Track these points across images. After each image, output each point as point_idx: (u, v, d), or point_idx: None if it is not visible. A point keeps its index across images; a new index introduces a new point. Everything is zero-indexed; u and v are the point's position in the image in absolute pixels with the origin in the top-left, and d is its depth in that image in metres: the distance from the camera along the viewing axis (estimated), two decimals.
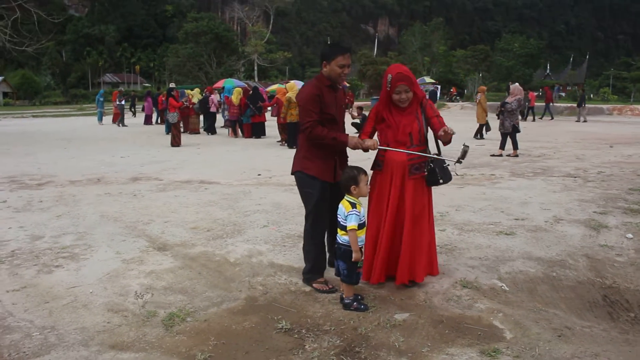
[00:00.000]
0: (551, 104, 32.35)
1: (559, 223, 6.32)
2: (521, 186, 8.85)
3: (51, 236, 5.85)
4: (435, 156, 4.24)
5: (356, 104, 24.84)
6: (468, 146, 4.07)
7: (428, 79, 51.41)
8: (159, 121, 26.16)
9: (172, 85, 26.36)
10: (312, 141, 4.11)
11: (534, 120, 29.20)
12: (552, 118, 30.97)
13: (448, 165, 4.26)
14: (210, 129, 20.84)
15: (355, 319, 3.69)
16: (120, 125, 25.35)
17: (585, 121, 28.61)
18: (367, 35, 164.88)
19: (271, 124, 19.48)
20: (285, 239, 5.67)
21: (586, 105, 31.14)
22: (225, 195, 8.15)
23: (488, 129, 17.43)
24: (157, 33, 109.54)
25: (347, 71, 4.12)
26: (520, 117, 14.78)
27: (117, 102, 26.11)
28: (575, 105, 33.01)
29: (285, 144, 15.27)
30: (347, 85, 40.94)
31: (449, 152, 4.36)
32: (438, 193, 8.09)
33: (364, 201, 4.06)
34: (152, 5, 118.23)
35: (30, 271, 4.71)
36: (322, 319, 3.72)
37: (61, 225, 6.32)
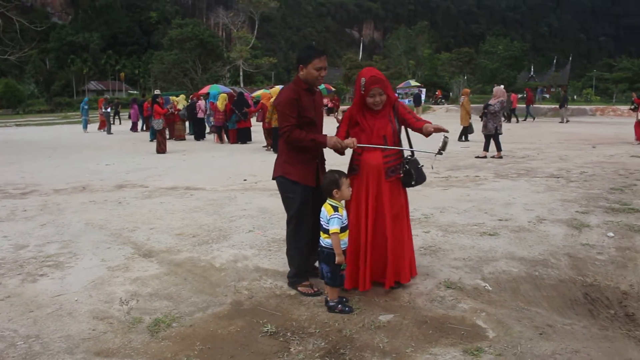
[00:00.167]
0: (531, 105, 32.68)
1: (542, 223, 6.40)
2: (505, 187, 8.94)
3: (35, 245, 5.82)
4: (414, 150, 4.28)
5: (342, 107, 24.94)
6: (448, 137, 4.08)
7: (413, 82, 51.66)
8: (144, 128, 26.07)
9: (157, 92, 26.30)
10: (291, 145, 4.12)
11: (517, 121, 29.44)
12: (534, 119, 31.28)
13: (422, 166, 4.29)
14: (199, 135, 20.82)
15: (340, 321, 3.72)
16: (107, 132, 25.23)
17: (567, 121, 28.92)
18: (352, 39, 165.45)
19: (257, 129, 19.50)
20: (270, 244, 5.69)
21: (568, 106, 31.47)
22: (210, 201, 8.15)
23: (471, 131, 17.58)
24: (142, 40, 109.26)
25: (324, 73, 4.14)
26: (503, 119, 14.93)
27: (103, 110, 25.98)
28: (558, 106, 33.35)
29: (271, 149, 15.27)
30: (333, 89, 41.10)
31: (429, 145, 4.39)
32: (422, 195, 8.18)
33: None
34: (137, 12, 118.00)
35: (14, 280, 4.69)
36: (307, 322, 3.74)
37: (46, 234, 6.29)
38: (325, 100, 36.45)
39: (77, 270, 4.94)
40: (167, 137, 18.29)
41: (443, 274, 4.64)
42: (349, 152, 4.26)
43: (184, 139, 20.89)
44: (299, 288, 4.29)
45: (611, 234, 5.82)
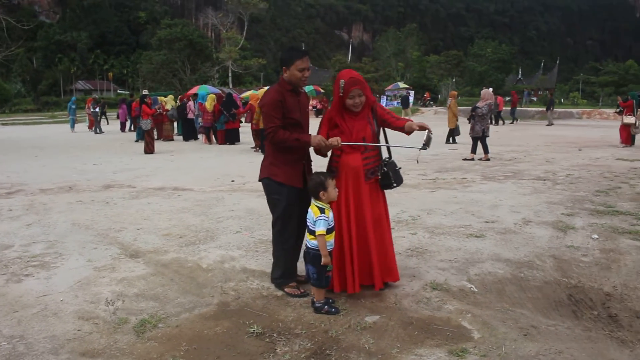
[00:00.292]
0: (516, 108, 32.93)
1: (528, 225, 6.45)
2: (492, 189, 9.00)
3: (21, 245, 5.78)
4: (399, 146, 4.24)
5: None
6: (432, 133, 4.09)
7: (402, 84, 51.78)
8: (132, 128, 25.95)
9: (145, 92, 26.18)
10: (276, 145, 4.12)
11: (503, 124, 29.66)
12: (514, 122, 31.45)
13: (400, 168, 4.29)
14: (188, 136, 20.77)
15: (326, 322, 3.73)
16: (97, 131, 25.09)
17: (548, 125, 29.18)
18: (341, 41, 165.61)
19: (245, 130, 19.47)
20: (258, 245, 5.69)
21: (554, 109, 31.72)
22: (198, 201, 8.14)
23: (457, 133, 17.67)
24: (130, 40, 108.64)
25: (307, 74, 4.13)
26: (492, 122, 15.02)
27: (92, 109, 25.81)
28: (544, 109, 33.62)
29: (259, 150, 15.26)
30: (322, 91, 41.11)
31: (412, 142, 4.40)
32: (410, 197, 8.23)
33: None
34: (125, 11, 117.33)
35: None
36: (293, 323, 3.75)
37: (31, 234, 6.25)
38: (314, 102, 36.53)
39: (62, 271, 4.92)
40: (155, 137, 18.25)
41: (429, 276, 4.67)
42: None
43: (172, 140, 20.82)
44: (285, 289, 4.29)
45: (595, 236, 5.88)
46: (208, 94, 19.95)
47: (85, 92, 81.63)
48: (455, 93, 19.53)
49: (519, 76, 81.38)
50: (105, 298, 4.23)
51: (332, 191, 3.89)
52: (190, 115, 20.77)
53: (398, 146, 4.27)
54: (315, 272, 3.88)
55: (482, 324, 3.70)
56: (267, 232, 6.07)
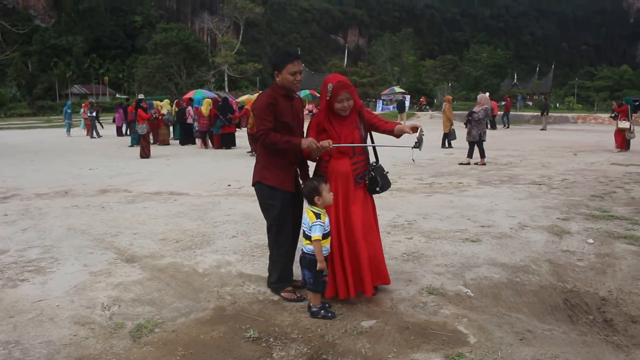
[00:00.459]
0: (509, 112, 33.05)
1: (524, 229, 6.47)
2: (488, 194, 9.02)
3: (16, 250, 5.77)
4: (391, 145, 4.24)
5: None
6: (424, 132, 4.07)
7: (398, 89, 51.95)
8: (127, 132, 25.93)
9: (140, 96, 26.15)
10: (268, 148, 4.10)
11: (495, 128, 29.80)
12: (506, 127, 31.54)
13: (387, 172, 4.28)
14: (185, 140, 20.76)
15: (322, 327, 3.73)
16: (93, 136, 25.05)
17: (543, 129, 29.33)
18: (337, 45, 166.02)
19: (241, 134, 19.49)
20: (254, 249, 5.69)
21: (549, 113, 31.86)
22: (194, 206, 8.13)
23: (453, 137, 17.71)
24: (126, 44, 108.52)
25: (299, 77, 4.12)
26: (489, 127, 15.06)
27: (88, 114, 25.75)
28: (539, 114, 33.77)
29: (255, 154, 15.23)
30: (318, 95, 41.17)
31: (403, 142, 4.40)
32: (406, 201, 8.24)
33: None
34: (121, 15, 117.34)
35: None
36: (289, 328, 3.75)
37: (27, 239, 6.23)
38: (310, 106, 36.55)
39: (58, 276, 4.90)
40: (151, 141, 18.23)
41: (425, 280, 4.68)
42: None
43: (168, 144, 20.82)
44: (281, 293, 4.29)
45: (591, 241, 5.90)
46: (204, 99, 19.96)
47: (81, 96, 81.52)
48: (450, 98, 19.59)
49: (515, 81, 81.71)
50: (102, 303, 4.22)
51: (327, 195, 3.88)
52: (190, 120, 20.76)
53: (390, 146, 4.26)
54: (311, 277, 3.89)
55: (478, 328, 3.71)
56: (263, 237, 6.05)
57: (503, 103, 33.52)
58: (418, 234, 6.26)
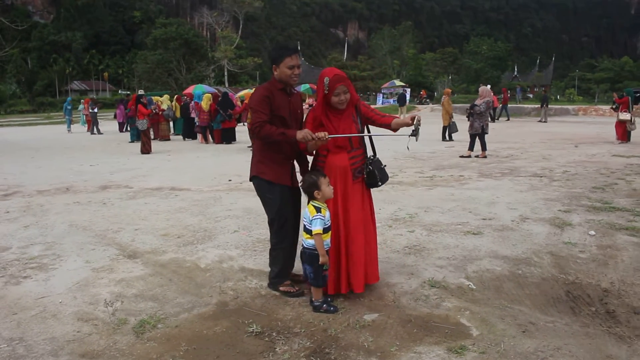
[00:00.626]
0: (507, 105, 33.00)
1: (525, 222, 6.47)
2: (489, 186, 9.01)
3: (18, 247, 5.77)
4: (388, 134, 4.21)
5: None
6: (420, 120, 4.01)
7: (398, 82, 51.88)
8: (128, 128, 25.91)
9: (140, 92, 26.11)
10: (262, 140, 4.07)
11: (494, 121, 29.76)
12: (497, 120, 31.44)
13: (385, 166, 4.25)
14: (189, 135, 20.75)
15: (325, 321, 3.74)
16: (94, 132, 25.04)
17: (545, 121, 29.31)
18: (337, 39, 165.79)
19: (242, 129, 19.48)
20: (255, 244, 5.69)
21: (548, 105, 31.81)
22: (195, 201, 8.14)
23: (454, 130, 17.67)
24: (125, 39, 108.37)
25: (297, 71, 4.09)
26: (490, 119, 15.02)
27: (90, 110, 25.73)
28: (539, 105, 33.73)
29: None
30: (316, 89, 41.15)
31: (400, 132, 4.36)
32: (407, 195, 8.24)
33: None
34: (120, 11, 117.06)
35: None
36: (292, 322, 3.76)
37: (29, 236, 6.24)
38: (310, 100, 36.48)
39: (61, 272, 4.91)
40: (152, 137, 18.22)
41: (427, 273, 4.68)
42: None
43: (169, 139, 20.81)
44: (280, 288, 4.28)
45: (592, 233, 5.90)
46: (204, 94, 19.93)
47: (80, 92, 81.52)
48: (449, 91, 19.58)
49: (515, 73, 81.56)
50: (104, 299, 4.23)
51: (327, 189, 3.87)
52: (193, 115, 20.73)
53: (386, 135, 4.23)
54: (311, 272, 3.89)
55: (480, 321, 3.71)
56: (264, 231, 6.06)
57: (501, 96, 33.43)
58: (419, 227, 6.26)
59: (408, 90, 49.38)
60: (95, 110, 25.82)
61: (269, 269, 4.51)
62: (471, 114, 13.41)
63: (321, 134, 3.86)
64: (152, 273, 4.85)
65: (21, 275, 4.83)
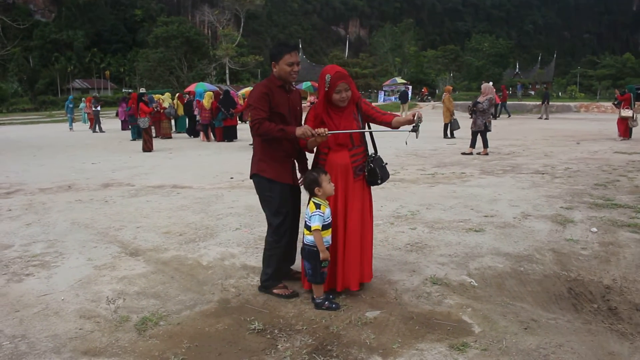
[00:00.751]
0: (506, 102, 32.94)
1: (527, 219, 6.46)
2: (491, 184, 9.01)
3: (21, 245, 5.78)
4: (389, 130, 4.16)
5: None
6: (422, 116, 3.97)
7: (399, 80, 51.76)
8: (129, 126, 25.92)
9: (142, 90, 26.12)
10: (262, 137, 4.04)
11: (509, 116, 29.78)
12: (498, 117, 31.36)
13: (386, 164, 4.23)
14: (196, 132, 20.77)
15: (327, 318, 3.74)
16: (97, 130, 25.05)
17: (546, 118, 29.27)
18: (338, 36, 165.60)
19: (243, 127, 19.45)
20: (257, 241, 5.69)
21: (549, 102, 31.74)
22: (197, 199, 8.14)
23: (456, 127, 17.63)
24: (127, 38, 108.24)
25: (297, 69, 4.07)
26: (491, 117, 14.97)
27: (93, 108, 25.73)
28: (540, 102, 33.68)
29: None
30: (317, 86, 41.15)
31: (400, 128, 4.34)
32: (409, 192, 8.24)
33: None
34: (121, 9, 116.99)
35: None
36: (294, 319, 3.76)
37: (31, 234, 6.25)
38: (312, 98, 36.48)
39: (63, 270, 4.92)
40: (154, 135, 18.23)
41: (429, 270, 4.68)
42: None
43: (171, 137, 20.82)
44: (274, 291, 4.21)
45: (594, 229, 5.89)
46: (205, 92, 19.93)
47: (82, 90, 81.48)
48: (450, 88, 19.53)
49: (517, 70, 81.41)
50: (106, 296, 4.23)
51: (328, 186, 3.87)
52: (196, 112, 20.73)
53: (386, 131, 4.20)
54: (310, 268, 3.90)
55: (482, 318, 3.71)
56: (266, 229, 6.06)
57: (500, 93, 33.37)
58: (421, 225, 6.26)
59: (409, 87, 49.28)
60: (99, 108, 25.83)
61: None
62: (474, 112, 13.37)
63: (321, 130, 3.85)
64: (154, 270, 4.85)
65: (23, 273, 4.84)
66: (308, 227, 3.86)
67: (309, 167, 4.31)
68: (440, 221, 6.42)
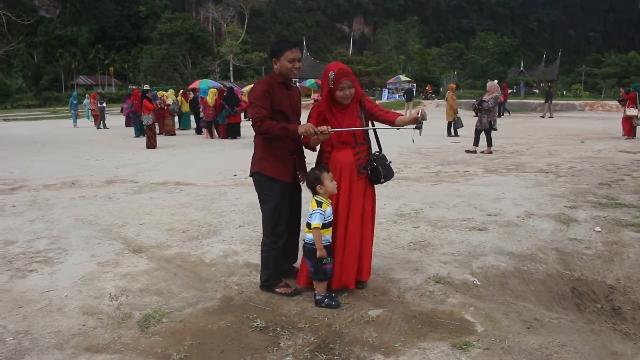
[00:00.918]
0: (506, 101, 32.85)
1: (531, 218, 6.45)
2: (494, 182, 8.99)
3: (24, 241, 5.80)
4: (395, 127, 4.11)
5: None
6: (426, 113, 3.93)
7: (403, 77, 51.71)
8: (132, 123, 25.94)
9: (146, 86, 26.12)
10: (263, 135, 4.02)
11: (509, 114, 29.70)
12: (503, 115, 31.25)
13: (390, 162, 4.19)
14: (200, 129, 20.82)
15: (329, 316, 3.74)
16: (97, 127, 25.08)
17: (551, 117, 29.19)
18: (342, 34, 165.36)
19: (247, 124, 19.46)
20: (260, 239, 5.64)
21: (553, 101, 31.65)
22: (201, 196, 8.15)
23: (460, 125, 17.58)
24: (131, 34, 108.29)
25: (298, 65, 4.04)
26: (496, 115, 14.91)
27: (98, 104, 25.76)
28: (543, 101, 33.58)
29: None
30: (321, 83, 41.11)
31: (400, 134, 4.33)
32: (412, 190, 8.23)
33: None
34: (126, 6, 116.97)
35: (3, 276, 4.67)
36: (296, 317, 3.76)
37: (35, 230, 6.27)
38: (315, 95, 36.43)
39: (66, 266, 4.93)
40: (157, 132, 18.24)
41: (432, 269, 4.68)
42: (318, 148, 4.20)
43: (174, 134, 20.83)
44: (276, 290, 4.19)
45: (598, 229, 5.88)
46: (209, 88, 19.93)
47: (86, 87, 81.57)
48: (454, 86, 19.49)
49: (521, 68, 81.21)
50: (109, 293, 4.24)
51: (330, 184, 3.86)
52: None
53: (389, 127, 4.16)
54: (312, 266, 3.90)
55: (485, 317, 3.71)
56: None
57: (511, 91, 33.31)
58: (424, 223, 6.25)
59: (414, 85, 49.21)
60: (104, 104, 25.86)
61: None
62: (479, 110, 13.32)
63: (324, 128, 3.83)
64: (157, 267, 4.86)
65: (27, 269, 4.86)
66: (309, 225, 3.86)
67: (307, 165, 4.29)
68: (443, 220, 6.41)
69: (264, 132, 3.98)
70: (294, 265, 4.56)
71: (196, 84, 25.98)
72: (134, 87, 46.85)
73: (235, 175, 10.14)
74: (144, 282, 4.50)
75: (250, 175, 4.25)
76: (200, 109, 20.16)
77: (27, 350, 3.32)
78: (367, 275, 4.21)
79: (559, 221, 6.26)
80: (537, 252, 5.14)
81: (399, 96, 44.90)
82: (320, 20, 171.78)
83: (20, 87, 73.32)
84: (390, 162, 4.21)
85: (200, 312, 3.87)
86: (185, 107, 23.16)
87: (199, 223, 6.45)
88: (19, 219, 6.88)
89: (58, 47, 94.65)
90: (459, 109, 18.33)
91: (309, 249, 3.87)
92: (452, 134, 18.02)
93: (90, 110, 28.04)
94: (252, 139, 4.32)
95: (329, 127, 3.87)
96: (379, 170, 4.08)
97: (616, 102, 22.56)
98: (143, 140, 16.81)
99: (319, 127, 3.86)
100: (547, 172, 9.96)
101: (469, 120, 16.95)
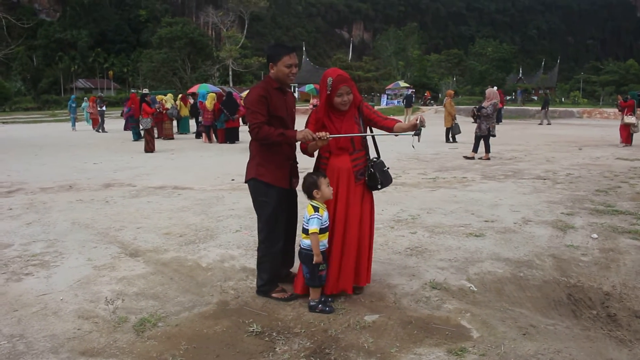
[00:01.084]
0: (502, 108, 32.88)
1: (528, 224, 6.46)
2: (492, 189, 9.00)
3: (21, 244, 5.79)
4: (392, 134, 4.10)
5: None
6: (425, 119, 3.94)
7: (402, 83, 51.78)
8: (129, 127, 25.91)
9: (145, 90, 26.13)
10: (261, 141, 4.00)
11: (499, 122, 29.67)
12: (499, 122, 31.25)
13: (388, 168, 4.18)
14: (199, 134, 20.82)
15: (325, 321, 3.74)
16: (101, 131, 25.06)
17: (549, 124, 29.22)
18: (342, 39, 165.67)
19: (245, 129, 19.47)
20: (257, 244, 5.68)
21: (549, 108, 31.68)
22: (198, 200, 8.14)
23: (457, 131, 17.60)
24: (131, 38, 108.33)
25: (295, 70, 4.03)
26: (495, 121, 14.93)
27: (98, 108, 25.75)
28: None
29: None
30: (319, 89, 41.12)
31: (399, 141, 4.32)
32: (410, 196, 8.24)
33: None
34: (126, 10, 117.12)
35: None
36: (292, 322, 3.76)
37: (31, 233, 6.26)
38: (314, 101, 36.49)
39: (62, 270, 4.92)
40: (156, 136, 18.24)
41: (429, 275, 4.67)
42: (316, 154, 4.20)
43: (173, 138, 20.82)
44: (273, 295, 4.18)
45: (595, 236, 5.88)
46: (208, 93, 19.94)
47: (85, 90, 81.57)
48: (452, 92, 19.52)
49: (520, 75, 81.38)
50: (105, 297, 4.23)
51: (326, 190, 3.86)
52: None
53: (388, 134, 4.14)
54: (308, 272, 3.90)
55: (481, 323, 3.71)
56: None
57: (509, 98, 33.35)
58: (422, 229, 6.25)
59: (413, 91, 49.29)
60: (104, 108, 25.86)
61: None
62: (478, 117, 13.33)
63: (322, 134, 3.83)
64: (153, 271, 4.85)
65: (23, 272, 4.85)
66: (305, 231, 3.86)
67: (299, 171, 4.28)
68: (440, 225, 6.42)
69: (262, 138, 3.96)
70: (290, 270, 4.55)
71: (195, 89, 26.00)
72: (134, 91, 46.88)
73: (233, 179, 10.14)
74: (140, 286, 4.49)
75: (246, 182, 4.22)
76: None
77: (22, 354, 3.31)
78: (365, 280, 4.21)
79: (556, 228, 6.26)
80: (533, 258, 5.14)
81: (398, 102, 44.98)
82: (320, 25, 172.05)
83: (19, 90, 73.31)
84: (388, 168, 4.20)
85: (196, 317, 3.87)
86: (184, 111, 23.15)
87: (196, 227, 6.45)
88: (15, 222, 6.87)
89: (57, 50, 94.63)
90: (457, 115, 18.35)
91: (306, 254, 3.86)
92: (450, 140, 18.04)
93: (89, 114, 28.01)
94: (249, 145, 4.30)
95: (327, 133, 3.86)
96: (376, 176, 4.07)
97: (615, 110, 22.53)
98: (141, 144, 16.81)
99: (317, 133, 3.85)
100: (544, 179, 9.97)
101: (468, 126, 16.97)
